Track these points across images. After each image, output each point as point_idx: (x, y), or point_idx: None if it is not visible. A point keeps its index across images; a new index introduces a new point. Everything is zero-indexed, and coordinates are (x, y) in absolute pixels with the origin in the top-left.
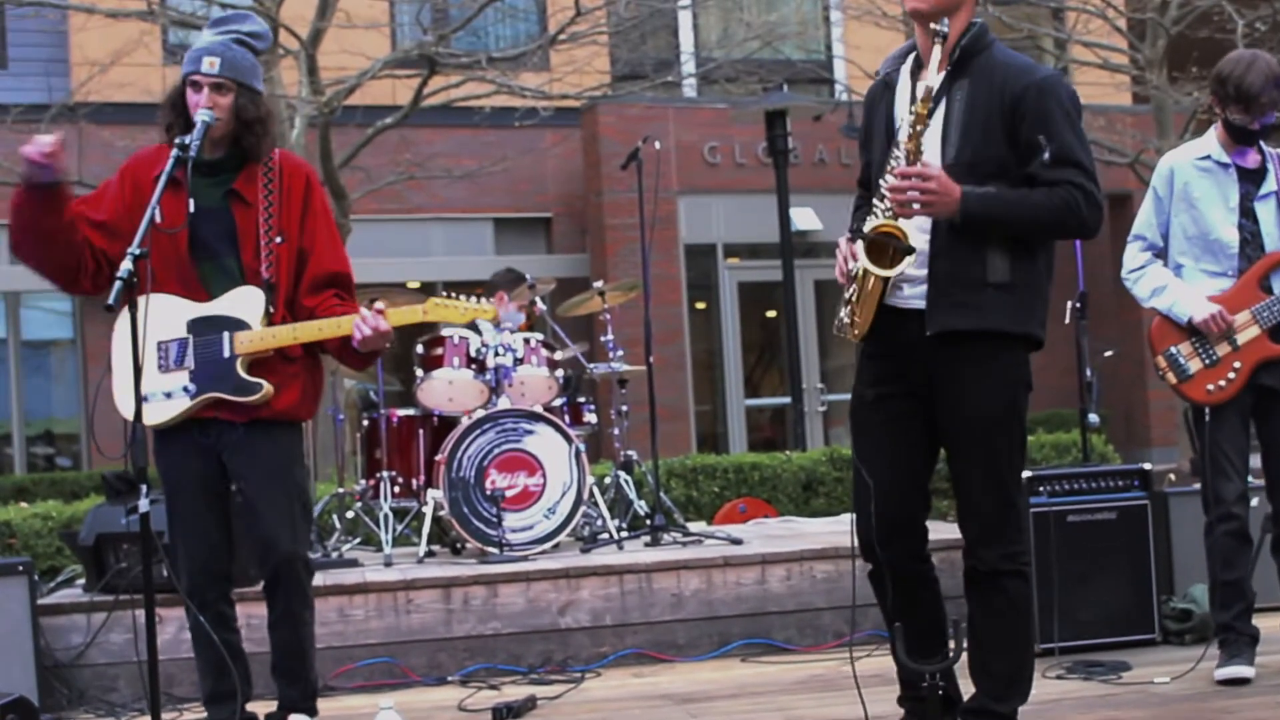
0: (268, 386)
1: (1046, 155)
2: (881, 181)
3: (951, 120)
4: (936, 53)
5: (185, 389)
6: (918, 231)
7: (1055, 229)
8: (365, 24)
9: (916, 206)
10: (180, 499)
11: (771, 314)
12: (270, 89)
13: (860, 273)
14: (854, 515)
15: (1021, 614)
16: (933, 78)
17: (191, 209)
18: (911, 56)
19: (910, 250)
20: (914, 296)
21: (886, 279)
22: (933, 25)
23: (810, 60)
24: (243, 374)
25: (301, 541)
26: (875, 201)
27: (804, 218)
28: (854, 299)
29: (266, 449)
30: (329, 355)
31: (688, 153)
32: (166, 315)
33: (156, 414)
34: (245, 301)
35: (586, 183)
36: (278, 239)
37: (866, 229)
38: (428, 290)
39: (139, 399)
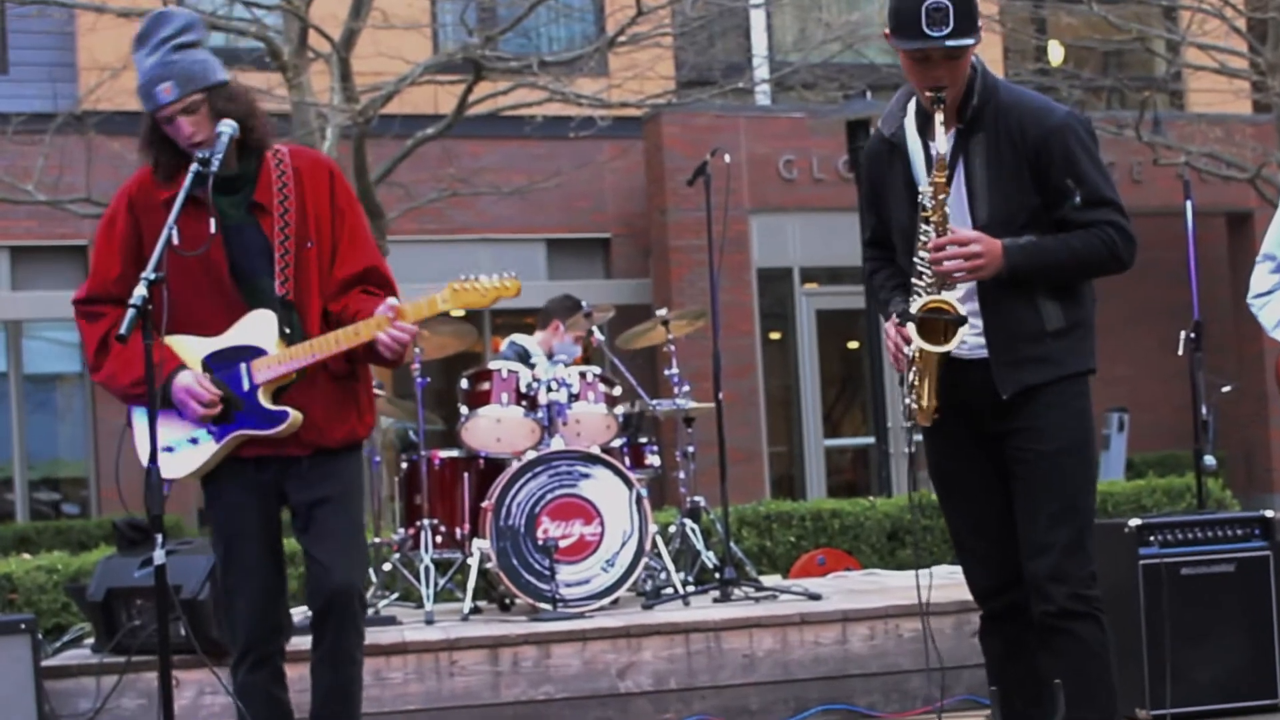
0: (294, 414)
1: (1077, 199)
2: (917, 260)
3: (976, 178)
4: (939, 120)
5: (210, 432)
6: (964, 293)
7: (1096, 270)
8: (404, 24)
9: (961, 275)
10: (237, 544)
11: (853, 345)
12: (299, 95)
13: (917, 354)
14: (962, 568)
15: (1099, 660)
16: (942, 142)
17: (213, 229)
18: (912, 109)
19: (962, 321)
20: (979, 347)
21: (945, 354)
22: (929, 93)
23: (895, 64)
24: (266, 404)
25: (359, 573)
26: (914, 281)
27: None
28: (915, 381)
29: (331, 477)
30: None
31: (761, 166)
32: (189, 356)
33: (184, 464)
34: (257, 326)
35: (649, 200)
36: (308, 244)
37: (914, 310)
38: (473, 319)
39: (154, 437)
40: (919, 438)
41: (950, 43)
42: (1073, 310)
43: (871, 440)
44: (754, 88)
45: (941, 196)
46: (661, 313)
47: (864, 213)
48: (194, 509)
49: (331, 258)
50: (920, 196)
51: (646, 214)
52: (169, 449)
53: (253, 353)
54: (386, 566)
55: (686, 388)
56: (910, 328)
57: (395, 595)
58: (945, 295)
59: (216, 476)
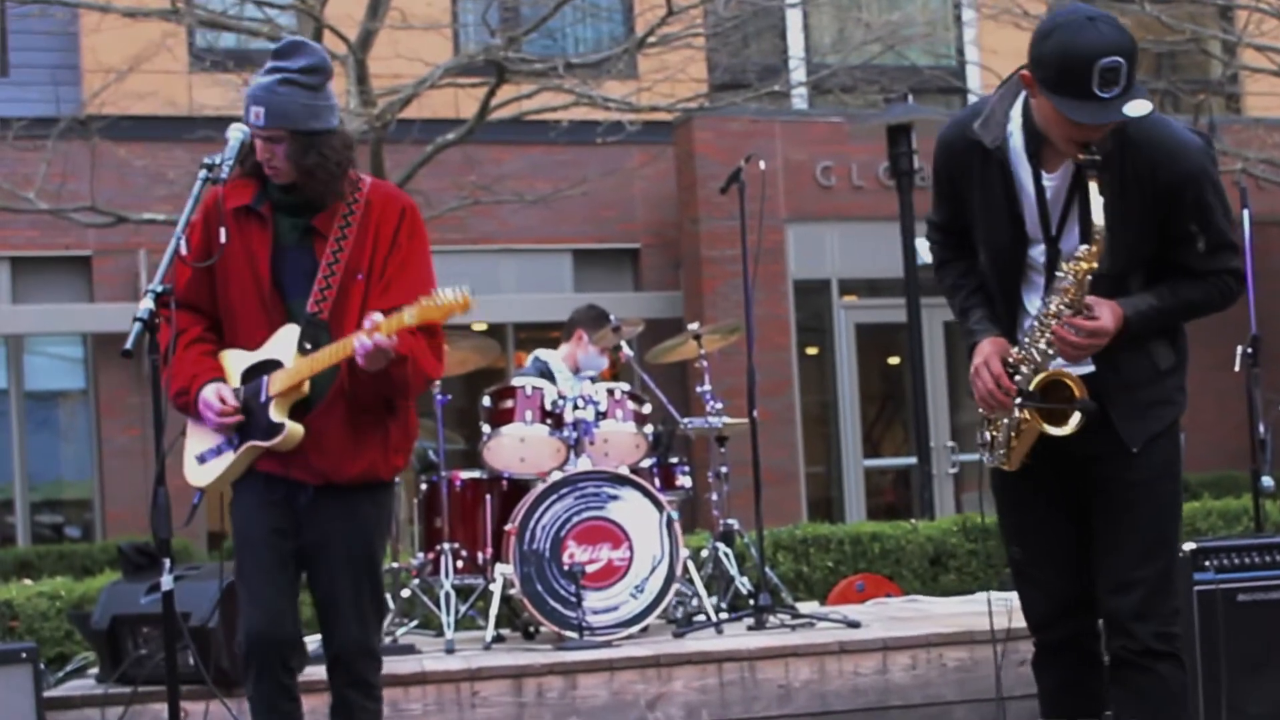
0: (291, 427)
1: (1201, 246)
2: (1038, 320)
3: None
4: (1094, 190)
5: (230, 441)
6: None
7: (1204, 315)
8: (423, 24)
9: (1084, 353)
10: (248, 548)
11: (894, 360)
12: None
13: (1025, 418)
14: (999, 593)
15: (1177, 704)
16: (1098, 213)
17: (223, 239)
18: (1018, 124)
19: (1090, 409)
20: (1076, 366)
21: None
22: (1082, 155)
23: (939, 66)
24: (271, 416)
25: (370, 627)
26: (1022, 336)
27: None
28: (1011, 437)
29: (340, 519)
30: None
31: (797, 174)
32: (231, 369)
33: (208, 473)
34: (281, 340)
35: (680, 209)
36: (358, 276)
37: (1032, 385)
38: (495, 333)
39: (160, 458)
40: (964, 457)
41: (1129, 111)
42: (1179, 342)
43: (913, 460)
44: (790, 91)
45: (1088, 280)
46: (693, 327)
47: (937, 196)
48: (203, 533)
49: (384, 290)
50: (1059, 274)
51: (677, 223)
52: (201, 459)
53: (275, 366)
54: (405, 593)
55: (719, 405)
56: (1029, 412)
57: (414, 623)
58: (1068, 369)
59: (240, 487)
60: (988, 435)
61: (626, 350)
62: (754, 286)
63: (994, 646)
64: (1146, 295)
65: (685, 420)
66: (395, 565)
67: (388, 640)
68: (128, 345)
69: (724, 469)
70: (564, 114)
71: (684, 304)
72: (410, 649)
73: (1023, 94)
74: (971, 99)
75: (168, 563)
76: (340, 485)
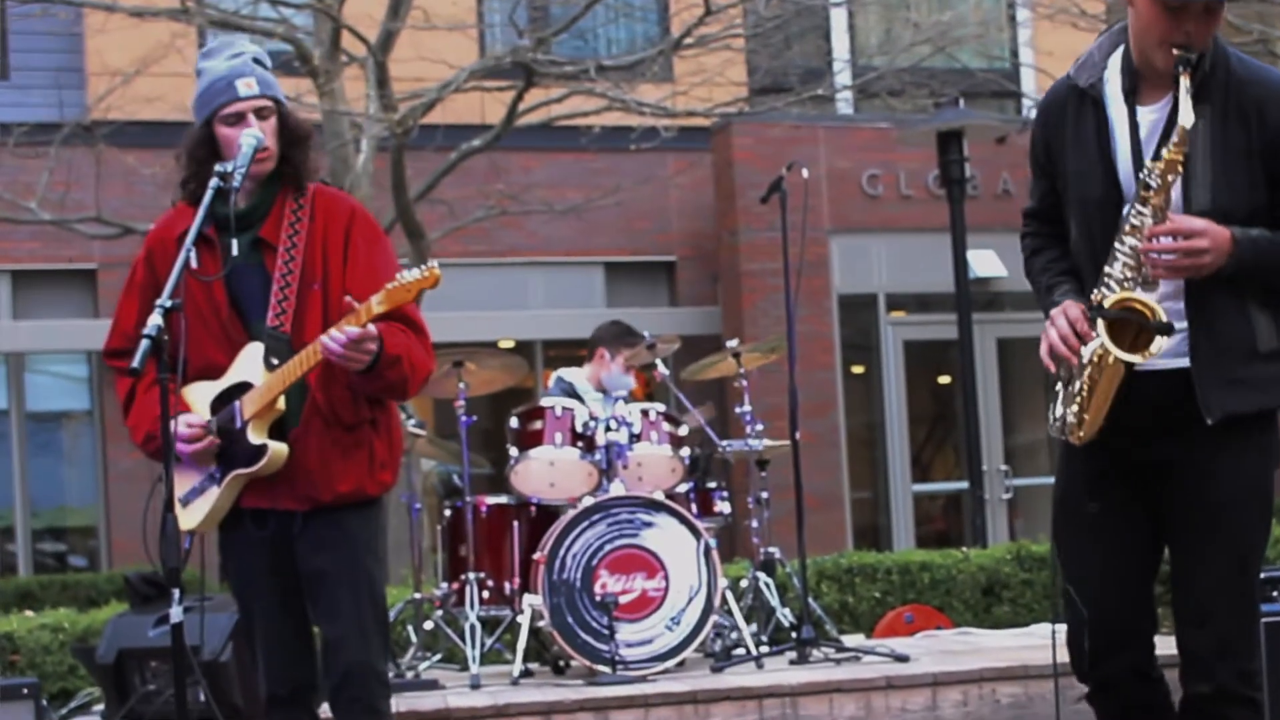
0: (274, 447)
1: None
2: (1118, 245)
3: (1196, 158)
4: (1185, 89)
5: (213, 475)
6: (1163, 291)
7: None
8: (447, 24)
9: (1177, 272)
10: (250, 603)
11: (945, 379)
12: (331, 104)
13: (1096, 358)
14: (1060, 625)
15: None
16: (1187, 114)
17: (235, 250)
18: (1116, 65)
19: (1167, 329)
20: (1157, 355)
21: (1129, 367)
22: (1176, 51)
23: (992, 69)
24: (251, 439)
25: (374, 647)
26: (1107, 269)
27: (984, 262)
28: (1084, 391)
29: (332, 537)
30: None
31: (842, 182)
32: (197, 403)
33: (195, 514)
34: (246, 360)
35: (718, 219)
36: (314, 286)
37: (1107, 303)
38: (523, 351)
39: (169, 482)
40: (1018, 482)
41: None
42: None
43: (964, 485)
44: (834, 95)
45: (1171, 177)
46: (732, 344)
47: (1033, 176)
48: (214, 563)
49: (341, 299)
50: (1144, 174)
51: (715, 235)
52: (184, 501)
53: (244, 389)
54: (428, 625)
55: (760, 427)
56: (1100, 326)
57: (438, 656)
58: (1144, 295)
59: (226, 529)
60: (1058, 408)
61: (661, 369)
62: (796, 302)
63: (1055, 681)
64: (1258, 228)
65: (724, 443)
66: (418, 596)
67: (409, 675)
68: (135, 363)
69: (765, 494)
70: (596, 119)
71: (722, 320)
72: (434, 684)
73: (1123, 43)
74: (1026, 103)
75: (177, 593)
76: (329, 506)
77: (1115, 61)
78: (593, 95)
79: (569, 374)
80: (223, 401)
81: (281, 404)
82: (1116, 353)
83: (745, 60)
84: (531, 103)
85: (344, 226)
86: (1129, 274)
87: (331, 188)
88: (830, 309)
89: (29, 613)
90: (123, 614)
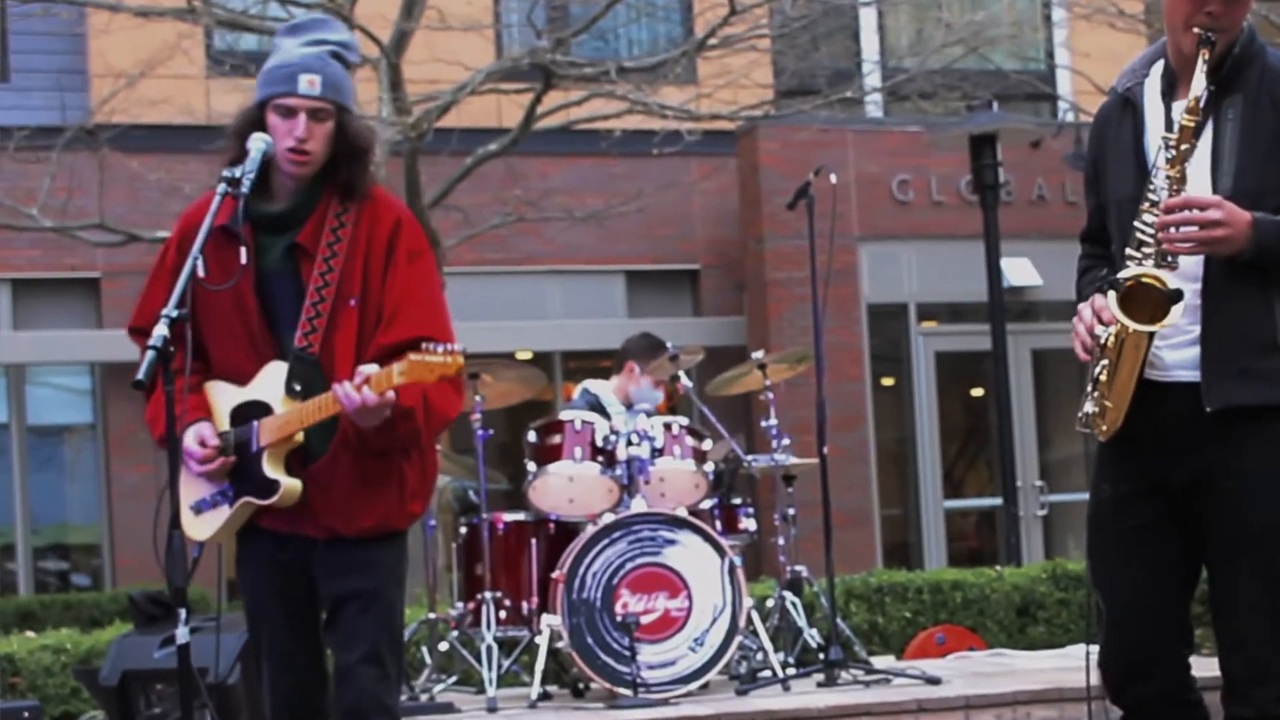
0: (287, 485)
1: None
2: (1138, 224)
3: (1224, 144)
4: (1201, 63)
5: (225, 493)
6: (1184, 280)
7: None
8: (463, 25)
9: (1191, 245)
10: (262, 626)
11: (978, 392)
12: None
13: (1112, 339)
14: (1094, 645)
15: None
16: (1199, 82)
17: (243, 259)
18: (1158, 71)
19: (1178, 296)
20: (1178, 366)
21: (1149, 340)
22: (1196, 30)
23: (1027, 70)
24: (265, 471)
25: (387, 678)
26: (1130, 250)
27: (1019, 270)
28: (1103, 377)
29: (358, 569)
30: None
31: (871, 188)
32: (219, 406)
33: (206, 526)
34: (268, 379)
35: (743, 226)
36: (351, 301)
37: (1120, 276)
38: (541, 363)
39: (175, 499)
40: (1053, 498)
41: None
42: None
43: (998, 502)
44: (864, 97)
45: (1185, 146)
46: (758, 355)
47: (1086, 196)
48: (222, 580)
49: (378, 318)
50: (1151, 155)
51: (740, 242)
52: (196, 508)
53: (263, 410)
54: (443, 646)
55: (786, 441)
56: (1110, 297)
57: (453, 679)
58: (1156, 270)
59: (244, 544)
60: (1089, 406)
61: (684, 381)
62: (824, 311)
63: (1088, 705)
64: None
65: (749, 458)
66: (433, 616)
67: (424, 698)
68: (140, 375)
69: (791, 511)
70: (616, 122)
71: (747, 330)
72: (448, 708)
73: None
74: (1062, 106)
75: (183, 613)
76: (347, 540)
77: (1158, 68)
78: (614, 98)
79: (595, 386)
80: (241, 414)
81: (300, 437)
82: (1128, 322)
83: (771, 61)
84: (550, 105)
85: (387, 237)
86: (1147, 251)
87: (384, 191)
88: (859, 319)
89: (30, 633)
90: (127, 635)
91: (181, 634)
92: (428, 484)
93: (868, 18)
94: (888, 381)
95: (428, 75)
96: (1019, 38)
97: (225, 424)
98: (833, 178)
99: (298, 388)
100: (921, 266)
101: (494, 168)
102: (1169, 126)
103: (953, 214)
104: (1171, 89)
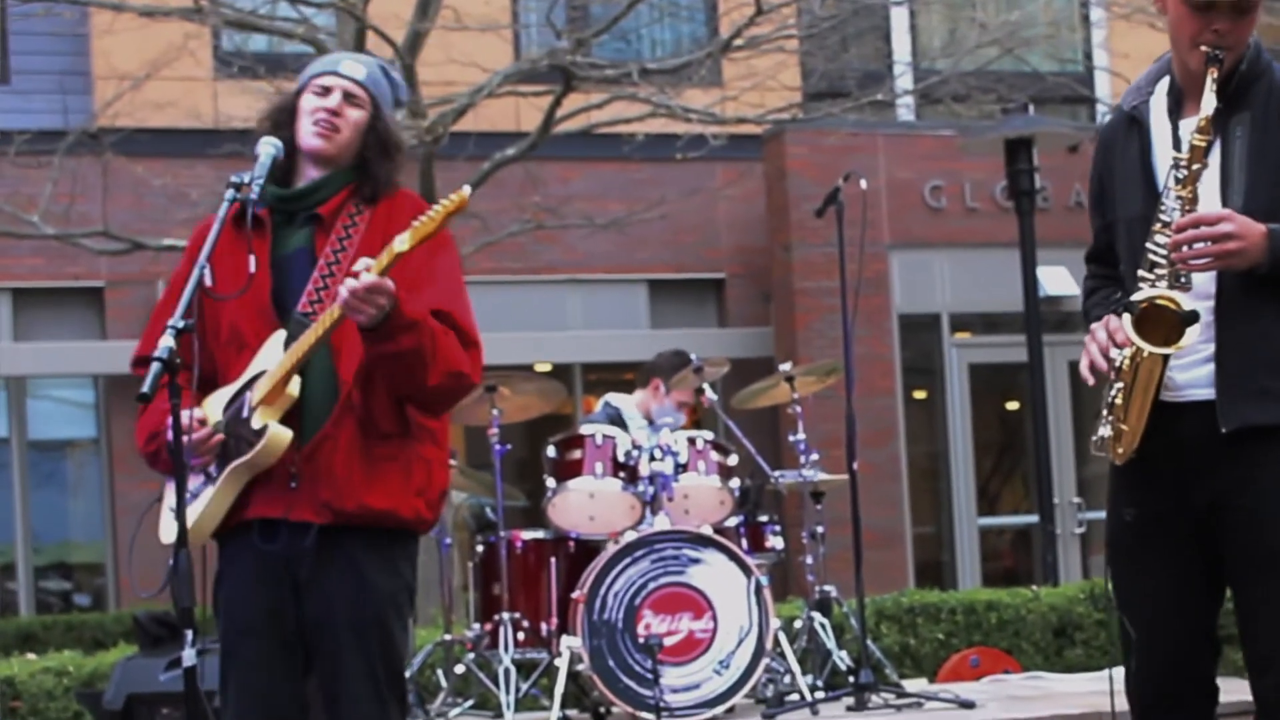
0: (275, 430)
1: None
2: (1150, 246)
3: (1233, 162)
4: (1210, 82)
5: (210, 475)
6: (1196, 299)
7: None
8: (480, 25)
9: (1204, 262)
10: (238, 640)
11: (1013, 405)
12: None
13: (1127, 362)
14: (1124, 669)
15: None
16: (1209, 101)
17: (253, 267)
18: (1163, 88)
19: (1193, 318)
20: (1191, 385)
21: (1164, 362)
22: (1204, 48)
23: (1064, 72)
24: (253, 424)
25: (387, 713)
26: (1142, 272)
27: (1055, 279)
28: (1118, 399)
29: (348, 581)
30: (378, 375)
31: (903, 194)
32: (212, 408)
33: (188, 517)
34: (268, 352)
35: (770, 234)
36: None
37: (1135, 299)
38: (561, 375)
39: (181, 513)
40: (1091, 515)
41: None
42: None
43: (1034, 519)
44: (895, 100)
45: (1197, 166)
46: (785, 367)
47: (1091, 215)
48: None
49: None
50: (1158, 171)
51: (767, 250)
52: (173, 511)
53: (258, 380)
54: (459, 669)
55: (815, 456)
56: (1125, 319)
57: (470, 703)
58: (1171, 292)
59: (225, 548)
60: (1104, 430)
61: (709, 394)
62: (854, 322)
63: None
64: None
65: (776, 473)
66: (448, 638)
67: None
68: (145, 389)
69: (820, 528)
70: (639, 126)
71: (774, 342)
72: None
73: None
74: (1100, 109)
75: (190, 634)
76: (352, 526)
77: (1163, 86)
78: (636, 100)
79: (617, 399)
80: (235, 400)
81: (294, 389)
82: (1144, 345)
83: (799, 63)
84: (570, 109)
85: (409, 221)
86: (1160, 272)
87: (410, 192)
88: (890, 330)
89: (31, 655)
90: (131, 657)
91: (188, 656)
92: (433, 486)
93: (899, 18)
94: (920, 394)
95: (443, 77)
96: (1056, 38)
97: (219, 414)
98: (863, 183)
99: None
100: (955, 275)
101: (512, 173)
102: (1177, 145)
103: (987, 221)
104: (1178, 106)
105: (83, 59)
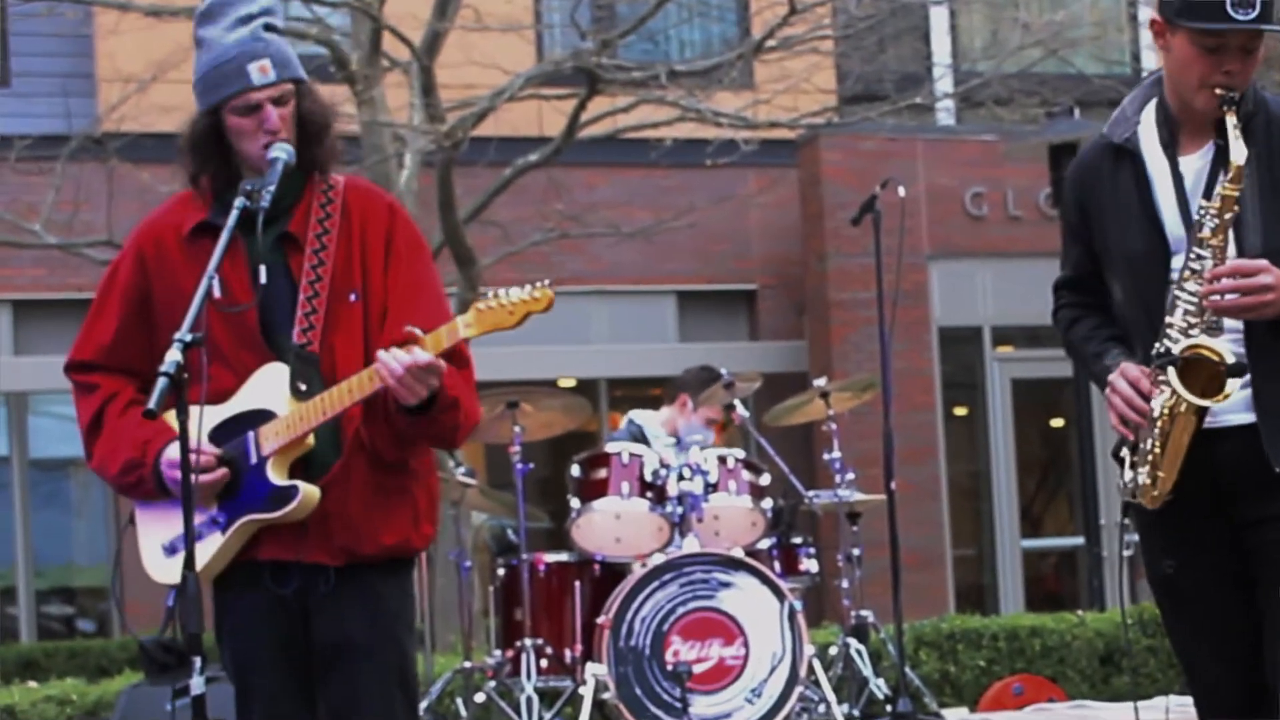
0: (306, 490)
1: None
2: (1180, 294)
3: (1245, 201)
4: (1232, 127)
5: (215, 520)
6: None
7: None
8: (501, 25)
9: (1240, 313)
10: (251, 678)
11: (1058, 423)
12: (371, 114)
13: (1167, 411)
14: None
15: None
16: (1239, 151)
17: (264, 279)
18: (1150, 118)
19: (1239, 370)
20: (1226, 410)
21: (1204, 413)
22: (1218, 90)
23: (1110, 75)
24: (274, 479)
25: None
26: (1171, 319)
27: None
28: (1154, 449)
29: (367, 611)
30: (407, 443)
31: (943, 201)
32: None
33: (179, 567)
34: (266, 384)
35: (804, 243)
36: (351, 296)
37: (1176, 350)
38: (586, 390)
39: (189, 535)
40: (1136, 537)
41: (1263, 26)
42: None
43: (1080, 541)
44: (934, 104)
45: (1229, 215)
46: (820, 383)
47: (1066, 243)
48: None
49: (383, 316)
50: (1197, 215)
51: (801, 260)
52: (171, 549)
53: (261, 418)
54: (479, 697)
55: (851, 475)
56: (1170, 373)
57: None
58: (1210, 340)
59: (229, 584)
60: (1127, 472)
61: (740, 411)
62: (891, 335)
63: None
64: None
65: (811, 493)
66: (468, 665)
67: None
68: (151, 405)
69: (856, 551)
70: (667, 131)
71: (809, 356)
72: None
73: (1156, 95)
74: None
75: (198, 662)
76: (365, 565)
77: (1149, 114)
78: (664, 104)
79: (641, 416)
80: (228, 432)
81: (311, 440)
82: (1190, 398)
83: (835, 65)
84: (595, 112)
85: (385, 227)
86: (1192, 320)
87: (363, 179)
88: (930, 343)
89: (32, 683)
90: (137, 685)
91: (196, 684)
92: (434, 506)
93: (939, 18)
94: (960, 411)
95: (463, 79)
96: (1102, 39)
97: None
98: (901, 190)
99: (303, 387)
100: (997, 286)
101: (534, 180)
102: (1178, 181)
103: (1030, 229)
104: (1174, 140)
105: (86, 61)
